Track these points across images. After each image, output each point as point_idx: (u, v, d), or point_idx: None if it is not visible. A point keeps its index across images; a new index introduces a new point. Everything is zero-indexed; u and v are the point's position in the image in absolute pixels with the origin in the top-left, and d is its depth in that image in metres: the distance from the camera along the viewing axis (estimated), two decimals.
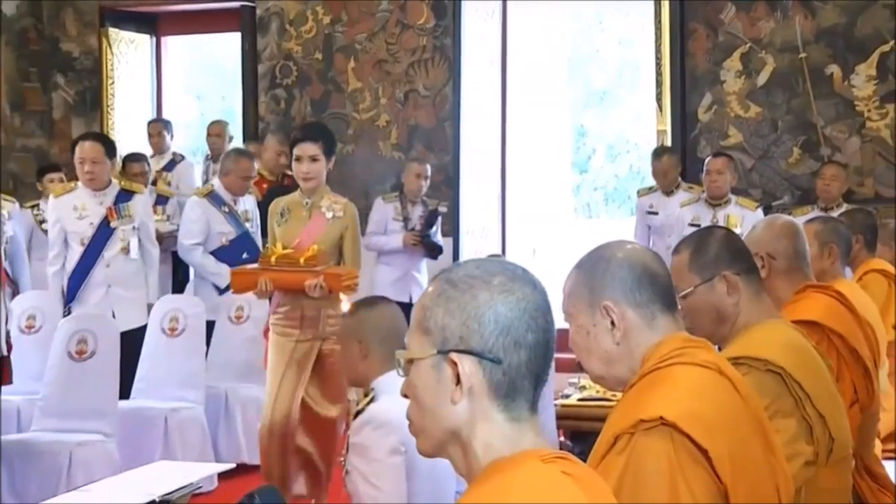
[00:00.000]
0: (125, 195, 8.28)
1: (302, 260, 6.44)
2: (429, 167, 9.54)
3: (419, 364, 2.20)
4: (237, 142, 11.42)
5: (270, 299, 6.76)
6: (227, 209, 8.91)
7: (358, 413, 4.57)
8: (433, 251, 9.55)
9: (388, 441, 4.25)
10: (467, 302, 2.17)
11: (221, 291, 8.68)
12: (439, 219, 9.58)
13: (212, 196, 9.01)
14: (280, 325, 6.63)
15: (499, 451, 2.15)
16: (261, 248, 8.77)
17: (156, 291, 8.68)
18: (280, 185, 9.66)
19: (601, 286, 2.91)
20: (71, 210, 7.92)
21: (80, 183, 8.13)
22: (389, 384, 4.34)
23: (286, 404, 6.57)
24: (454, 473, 4.44)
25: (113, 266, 7.99)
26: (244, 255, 8.65)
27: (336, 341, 6.05)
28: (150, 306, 8.47)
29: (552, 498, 2.09)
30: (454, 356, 2.14)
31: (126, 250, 8.17)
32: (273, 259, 6.54)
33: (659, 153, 10.03)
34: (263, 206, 8.84)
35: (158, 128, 11.02)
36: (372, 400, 4.52)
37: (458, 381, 2.14)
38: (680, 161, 9.95)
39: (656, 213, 9.87)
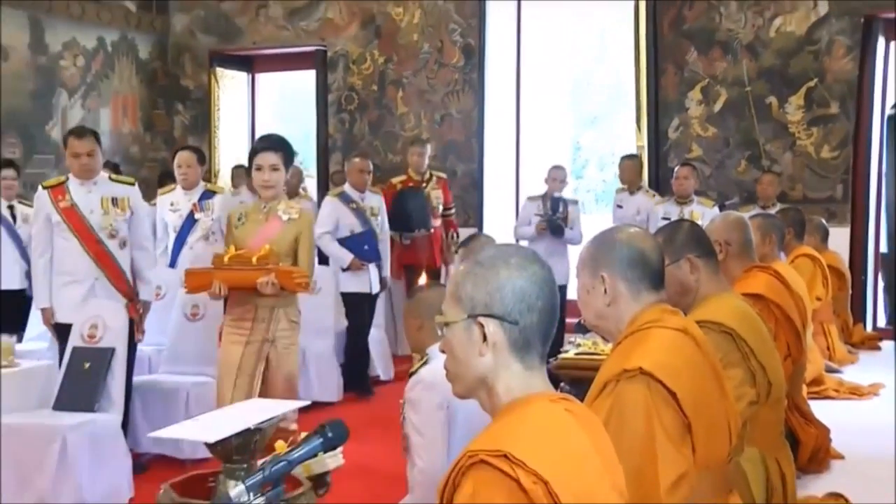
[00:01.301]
0: (209, 194, 8.17)
1: (254, 259, 5.53)
2: (370, 163, 9.18)
3: (453, 326, 2.22)
4: (310, 153, 11.46)
5: (226, 301, 5.83)
6: (354, 205, 8.81)
7: (412, 373, 4.48)
8: (556, 231, 9.19)
9: (434, 398, 4.12)
10: (491, 277, 2.18)
11: (343, 270, 8.67)
12: (561, 205, 9.22)
13: (342, 195, 8.95)
14: (232, 327, 5.70)
15: (516, 393, 2.17)
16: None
17: None
18: (415, 187, 9.63)
19: (603, 259, 2.96)
20: (168, 205, 7.93)
21: (178, 185, 8.11)
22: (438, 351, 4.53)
23: None
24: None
25: (195, 249, 7.77)
26: (365, 248, 8.64)
27: (286, 346, 5.63)
28: None
29: (557, 428, 2.12)
30: (481, 319, 2.17)
31: (206, 238, 7.94)
32: (226, 259, 5.65)
33: (623, 159, 10.06)
34: (398, 203, 9.35)
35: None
36: (425, 363, 4.42)
37: (485, 339, 2.16)
38: (640, 166, 9.96)
39: (621, 207, 9.78)
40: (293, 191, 8.91)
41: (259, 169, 5.63)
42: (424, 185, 9.74)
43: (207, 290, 5.64)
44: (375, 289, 8.77)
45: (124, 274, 6.50)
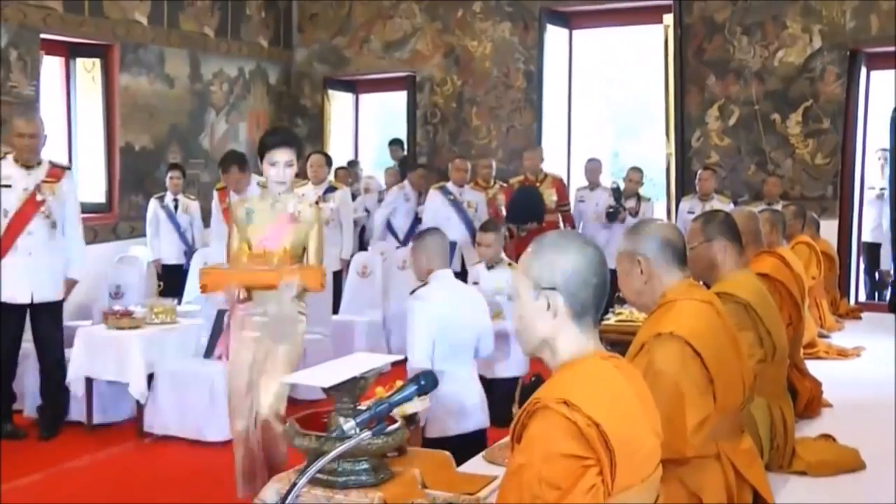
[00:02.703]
0: (332, 189, 8.40)
1: (276, 259, 4.55)
2: (468, 164, 9.37)
3: (523, 296, 2.19)
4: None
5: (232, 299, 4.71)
6: (451, 197, 8.92)
7: (414, 291, 4.71)
8: (610, 217, 9.21)
9: (427, 308, 4.35)
10: (554, 257, 2.16)
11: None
12: (634, 201, 9.21)
13: (442, 189, 9.07)
14: (242, 325, 4.68)
15: (573, 352, 2.15)
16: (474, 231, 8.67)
17: (349, 248, 8.60)
18: (529, 186, 9.36)
19: (639, 245, 2.95)
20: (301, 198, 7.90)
21: (309, 180, 8.22)
22: (440, 277, 4.63)
23: (266, 409, 4.64)
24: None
25: None
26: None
27: (293, 337, 4.69)
28: (343, 260, 8.51)
29: (607, 381, 2.11)
30: (546, 291, 2.15)
31: (326, 223, 7.79)
32: (245, 259, 4.60)
33: (588, 162, 10.00)
34: (513, 199, 9.16)
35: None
36: (425, 285, 4.63)
37: (549, 307, 2.15)
38: (600, 167, 9.95)
39: (583, 202, 9.71)
40: (320, 178, 8.52)
41: (274, 165, 4.60)
42: (539, 184, 9.42)
43: (224, 290, 4.62)
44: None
45: None
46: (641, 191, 9.65)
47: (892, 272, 9.06)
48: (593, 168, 9.89)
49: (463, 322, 4.59)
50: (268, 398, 4.62)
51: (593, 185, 9.87)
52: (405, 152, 11.56)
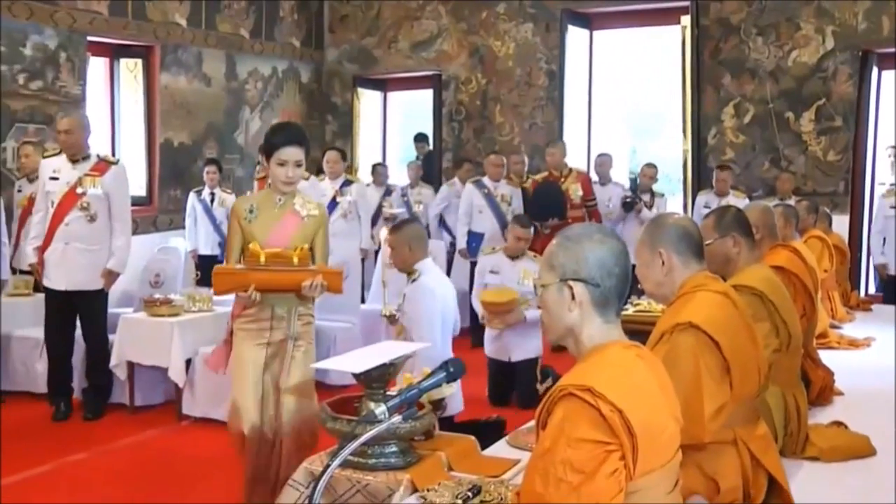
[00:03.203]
0: (348, 183, 8.36)
1: (296, 259, 4.11)
2: (504, 159, 9.21)
3: (548, 287, 2.17)
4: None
5: (243, 302, 4.19)
6: (486, 191, 8.80)
7: (413, 280, 4.77)
8: (626, 207, 9.02)
9: (435, 298, 4.46)
10: (578, 249, 2.14)
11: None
12: (636, 180, 8.91)
13: (477, 182, 8.95)
14: (249, 328, 4.20)
15: (597, 341, 2.14)
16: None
17: (367, 239, 8.55)
18: (552, 182, 8.95)
19: (658, 238, 2.92)
20: (320, 192, 7.76)
21: (326, 176, 8.26)
22: (429, 266, 4.78)
23: (271, 413, 4.22)
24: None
25: (333, 226, 7.21)
26: (473, 245, 8.58)
27: (305, 347, 4.27)
28: (363, 250, 8.48)
29: (629, 369, 2.10)
30: (570, 282, 2.13)
31: (344, 216, 8.10)
32: (262, 259, 4.10)
33: (599, 155, 9.84)
34: (534, 195, 8.87)
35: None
36: (419, 275, 4.73)
37: (573, 298, 2.13)
38: (610, 160, 9.68)
39: (496, 273, 8.56)
40: (337, 174, 8.41)
41: (283, 164, 4.12)
42: (563, 179, 8.97)
43: (239, 291, 4.13)
44: None
45: None
46: (656, 187, 9.55)
47: (888, 266, 8.99)
48: (603, 162, 9.63)
49: (452, 305, 4.86)
50: (290, 403, 4.20)
51: (604, 179, 9.58)
52: (430, 147, 11.53)
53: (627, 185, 9.38)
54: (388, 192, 10.18)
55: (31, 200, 6.93)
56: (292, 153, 4.12)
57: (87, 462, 5.63)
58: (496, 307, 6.41)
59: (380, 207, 9.77)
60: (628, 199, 9.16)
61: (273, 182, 4.20)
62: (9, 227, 7.40)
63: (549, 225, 8.57)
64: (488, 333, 6.72)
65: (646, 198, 9.33)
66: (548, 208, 8.78)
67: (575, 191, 8.99)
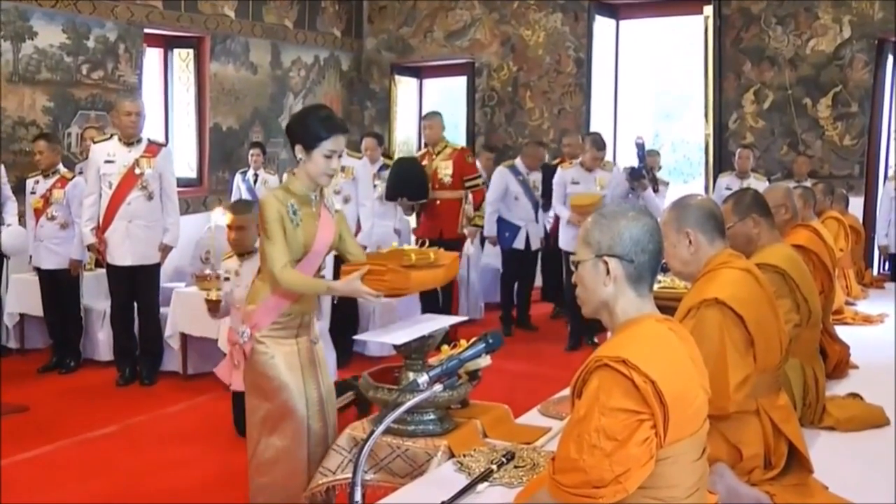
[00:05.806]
0: (385, 167, 8.25)
1: (432, 255, 3.53)
2: (541, 150, 8.77)
3: (584, 263, 2.16)
4: (461, 137, 11.35)
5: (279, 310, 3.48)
6: (521, 178, 8.27)
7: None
8: (633, 175, 7.59)
9: None
10: (613, 226, 2.13)
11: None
12: (642, 146, 7.69)
13: (512, 168, 8.32)
14: (277, 336, 3.47)
15: (630, 314, 2.14)
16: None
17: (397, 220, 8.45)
18: (412, 159, 8.25)
19: (684, 219, 2.89)
20: (369, 172, 7.40)
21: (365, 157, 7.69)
22: None
23: (318, 408, 3.52)
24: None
25: (374, 207, 7.24)
26: (506, 234, 8.27)
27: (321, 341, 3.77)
28: (396, 230, 8.36)
29: (661, 341, 2.09)
30: (605, 258, 2.12)
31: (381, 199, 7.90)
32: (414, 257, 3.43)
33: (526, 146, 8.79)
34: (396, 171, 7.86)
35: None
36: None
37: (608, 273, 2.12)
38: (544, 154, 8.96)
39: (577, 184, 7.69)
40: (375, 159, 8.29)
41: (329, 157, 3.39)
42: (434, 156, 7.81)
43: (402, 292, 3.53)
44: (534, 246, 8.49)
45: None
46: (673, 173, 9.39)
47: (889, 247, 8.89)
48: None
49: None
50: (332, 404, 3.65)
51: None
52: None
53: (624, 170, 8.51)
54: None
55: (46, 200, 6.84)
56: (340, 143, 3.43)
57: (147, 424, 5.81)
58: (585, 209, 7.18)
59: None
60: (635, 169, 7.84)
61: (313, 175, 3.43)
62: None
63: (409, 204, 7.80)
64: (567, 231, 7.65)
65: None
66: (405, 186, 7.71)
67: (443, 169, 7.74)
